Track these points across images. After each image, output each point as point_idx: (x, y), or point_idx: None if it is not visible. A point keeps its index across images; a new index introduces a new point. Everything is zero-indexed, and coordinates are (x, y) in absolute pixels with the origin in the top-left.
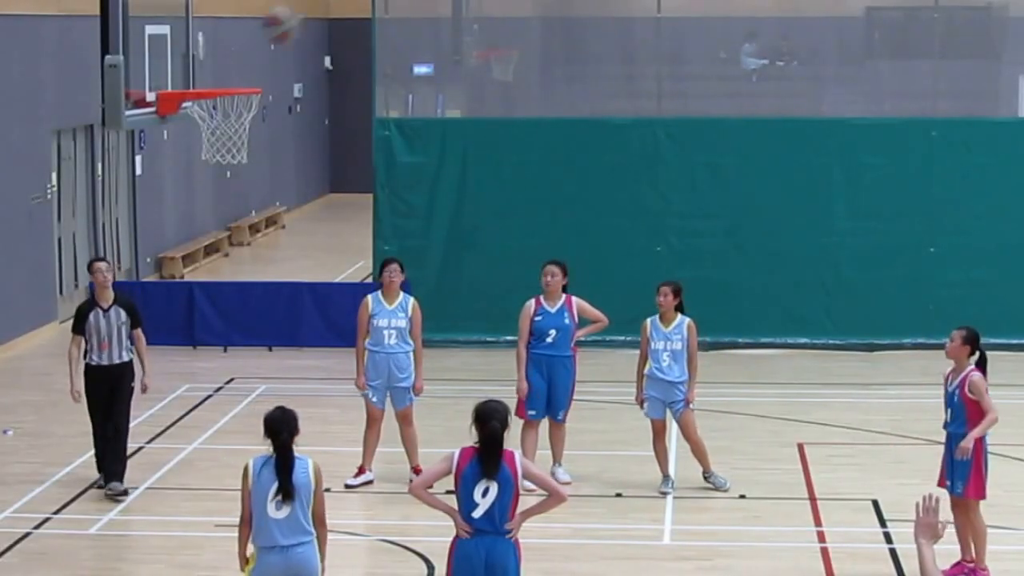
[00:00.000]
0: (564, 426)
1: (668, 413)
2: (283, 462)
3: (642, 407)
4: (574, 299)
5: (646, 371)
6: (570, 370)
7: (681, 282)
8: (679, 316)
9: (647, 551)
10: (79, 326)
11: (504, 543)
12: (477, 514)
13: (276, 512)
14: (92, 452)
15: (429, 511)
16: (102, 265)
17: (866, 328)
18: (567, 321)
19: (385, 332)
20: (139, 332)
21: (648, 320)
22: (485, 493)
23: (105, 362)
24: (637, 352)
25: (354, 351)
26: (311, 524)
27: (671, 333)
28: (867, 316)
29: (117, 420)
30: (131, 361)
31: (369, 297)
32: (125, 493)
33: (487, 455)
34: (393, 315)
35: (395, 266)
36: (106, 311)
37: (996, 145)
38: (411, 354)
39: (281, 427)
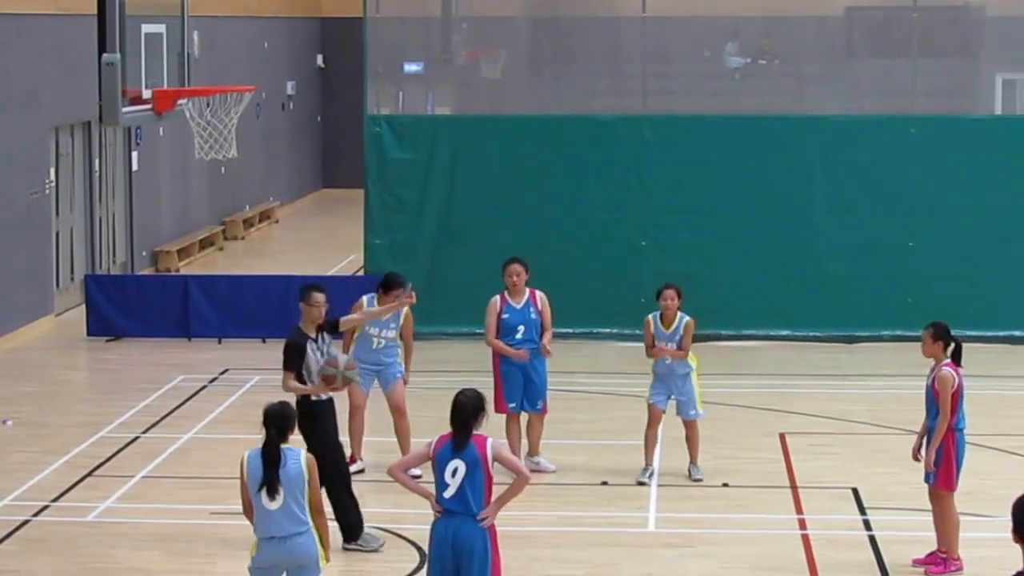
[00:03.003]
0: (543, 417)
1: (670, 406)
2: (266, 455)
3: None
4: (538, 293)
5: (653, 366)
6: (543, 360)
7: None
8: (678, 315)
9: (632, 538)
10: (299, 362)
11: (471, 525)
12: (448, 494)
13: (269, 503)
14: (90, 441)
15: (421, 501)
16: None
17: (846, 320)
18: (533, 316)
19: (374, 340)
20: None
21: (651, 318)
22: (454, 473)
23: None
24: (625, 344)
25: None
26: (307, 514)
27: (672, 335)
28: (847, 309)
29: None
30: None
31: (364, 299)
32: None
33: (453, 424)
34: (385, 326)
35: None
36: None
37: (973, 142)
38: (399, 350)
39: (271, 421)
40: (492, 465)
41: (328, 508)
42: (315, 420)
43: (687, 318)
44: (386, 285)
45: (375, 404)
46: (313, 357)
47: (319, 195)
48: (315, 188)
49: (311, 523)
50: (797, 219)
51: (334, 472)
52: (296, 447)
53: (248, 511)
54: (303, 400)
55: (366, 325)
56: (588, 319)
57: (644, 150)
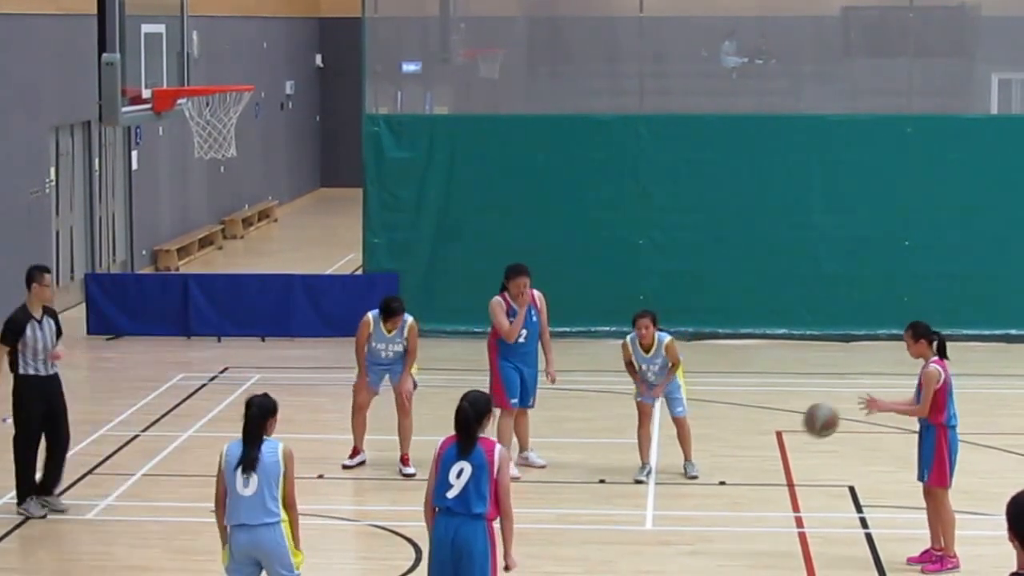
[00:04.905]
0: (529, 412)
1: (658, 403)
2: (247, 433)
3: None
4: (536, 294)
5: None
6: (536, 359)
7: (657, 312)
8: (656, 338)
9: (630, 536)
10: (14, 338)
11: (472, 526)
12: (451, 494)
13: (244, 489)
14: (91, 439)
15: (419, 498)
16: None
17: (842, 319)
18: (535, 319)
19: (382, 353)
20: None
21: (628, 340)
22: (459, 474)
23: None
24: (619, 342)
25: (343, 340)
26: (278, 506)
27: (652, 359)
28: (843, 307)
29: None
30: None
31: (370, 317)
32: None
33: (457, 432)
34: (392, 341)
35: (399, 318)
36: (40, 321)
37: (969, 141)
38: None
39: (253, 404)
40: (497, 471)
41: None
42: (22, 395)
43: (667, 339)
44: (385, 312)
45: (377, 402)
46: (32, 336)
47: (318, 194)
48: (314, 187)
49: (282, 516)
50: (794, 218)
51: (25, 441)
52: (275, 439)
53: (220, 503)
54: (16, 376)
55: (372, 341)
56: (586, 317)
57: (641, 149)
